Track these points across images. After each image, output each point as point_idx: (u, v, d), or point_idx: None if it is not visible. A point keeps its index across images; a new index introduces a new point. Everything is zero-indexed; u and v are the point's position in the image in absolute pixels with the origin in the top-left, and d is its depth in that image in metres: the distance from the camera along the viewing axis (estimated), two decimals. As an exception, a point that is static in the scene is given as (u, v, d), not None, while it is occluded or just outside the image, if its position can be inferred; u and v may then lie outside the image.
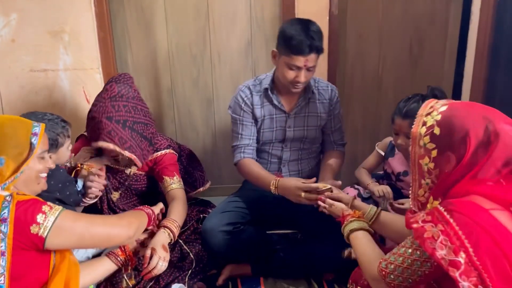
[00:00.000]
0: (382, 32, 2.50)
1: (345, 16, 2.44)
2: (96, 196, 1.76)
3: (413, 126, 1.16)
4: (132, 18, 2.38)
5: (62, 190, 1.62)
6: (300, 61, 1.75)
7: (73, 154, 1.83)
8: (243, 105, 1.97)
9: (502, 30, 2.28)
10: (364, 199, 1.96)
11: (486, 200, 1.03)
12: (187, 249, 1.84)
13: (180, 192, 1.90)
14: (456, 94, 2.60)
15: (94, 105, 1.77)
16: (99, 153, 1.90)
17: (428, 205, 1.14)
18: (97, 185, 1.71)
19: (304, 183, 1.72)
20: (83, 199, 1.72)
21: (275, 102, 1.95)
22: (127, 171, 1.92)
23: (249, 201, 2.00)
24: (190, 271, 1.76)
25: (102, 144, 1.69)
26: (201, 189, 2.13)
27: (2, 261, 1.13)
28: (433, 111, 1.13)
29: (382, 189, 1.86)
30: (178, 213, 1.79)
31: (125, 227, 1.39)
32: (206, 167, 2.55)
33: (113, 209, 1.93)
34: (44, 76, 2.25)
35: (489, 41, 2.35)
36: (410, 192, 1.21)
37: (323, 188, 1.68)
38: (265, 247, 1.95)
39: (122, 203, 1.95)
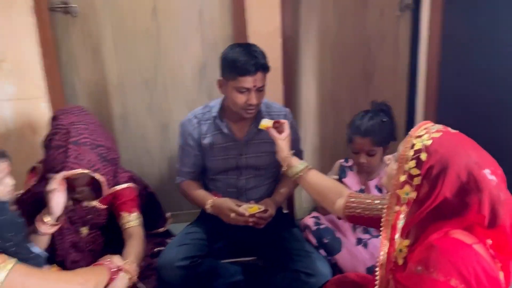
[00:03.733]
0: (335, 52, 2.51)
1: (298, 37, 2.44)
2: (57, 221, 1.64)
3: (401, 148, 1.09)
4: (78, 44, 2.29)
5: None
6: (248, 81, 1.73)
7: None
8: (187, 136, 1.95)
9: (451, 45, 2.34)
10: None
11: (463, 233, 1.01)
12: (143, 286, 1.77)
13: (138, 230, 1.83)
14: (410, 110, 2.65)
15: (53, 134, 1.69)
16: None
17: (398, 246, 1.10)
18: (58, 198, 1.60)
19: (237, 205, 1.81)
20: (41, 226, 1.61)
21: (225, 130, 1.91)
22: (86, 203, 1.82)
23: (208, 230, 1.94)
24: (147, 310, 1.70)
25: (69, 173, 1.60)
26: (161, 229, 2.09)
27: None
28: (424, 134, 1.07)
29: None
30: (136, 254, 1.72)
31: (82, 285, 1.32)
32: (164, 194, 2.47)
33: (80, 248, 1.82)
34: (-16, 107, 2.12)
35: (439, 56, 2.41)
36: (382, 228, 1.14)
37: (254, 212, 1.77)
38: (225, 279, 1.89)
39: (89, 240, 1.86)
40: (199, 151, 1.97)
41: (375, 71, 2.59)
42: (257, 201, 1.99)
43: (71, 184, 1.73)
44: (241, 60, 1.72)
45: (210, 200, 1.89)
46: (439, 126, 1.10)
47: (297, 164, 1.58)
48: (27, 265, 1.26)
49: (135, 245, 1.78)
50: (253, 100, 1.77)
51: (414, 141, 1.07)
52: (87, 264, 1.79)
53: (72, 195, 1.81)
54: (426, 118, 2.52)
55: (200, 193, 1.97)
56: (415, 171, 1.05)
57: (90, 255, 1.83)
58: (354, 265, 1.80)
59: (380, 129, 1.83)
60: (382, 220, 1.15)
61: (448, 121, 2.37)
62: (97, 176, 1.65)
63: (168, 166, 2.55)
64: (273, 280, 1.83)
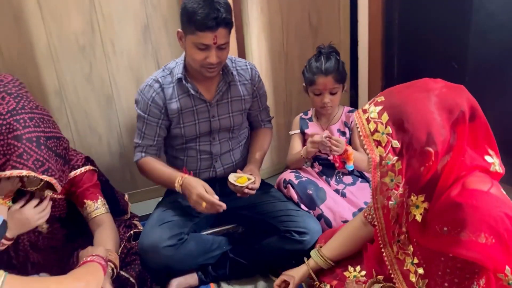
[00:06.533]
0: (282, 3, 2.41)
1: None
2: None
3: (368, 153, 1.05)
4: (-6, 9, 1.91)
5: None
6: (208, 38, 1.56)
7: None
8: (150, 103, 1.73)
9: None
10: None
11: (476, 178, 1.02)
12: (125, 274, 1.59)
13: (107, 217, 1.63)
14: (353, 57, 2.68)
15: None
16: None
17: (414, 210, 1.08)
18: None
19: (208, 191, 1.62)
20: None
21: (192, 91, 1.74)
22: (39, 194, 1.55)
23: (185, 204, 1.78)
24: (133, 298, 1.54)
25: (12, 172, 1.32)
26: (125, 217, 1.87)
27: None
28: (378, 125, 1.03)
29: (312, 141, 1.83)
30: (112, 242, 1.55)
31: None
32: (116, 173, 2.27)
33: (39, 247, 1.58)
34: None
35: (383, 4, 2.43)
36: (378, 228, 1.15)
37: (246, 184, 1.65)
38: (213, 252, 1.77)
39: (48, 237, 1.61)
40: (165, 119, 1.77)
41: (320, 23, 2.55)
42: (233, 166, 1.89)
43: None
44: (201, 13, 1.53)
45: (179, 178, 1.68)
46: (374, 107, 1.06)
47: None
48: (18, 276, 1.05)
49: (109, 234, 1.60)
50: (213, 59, 1.61)
51: (375, 137, 1.04)
52: (50, 265, 1.61)
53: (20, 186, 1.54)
54: (372, 64, 2.57)
55: (166, 171, 1.76)
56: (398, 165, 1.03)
57: (51, 253, 1.63)
58: (340, 212, 1.80)
59: (339, 66, 1.87)
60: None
61: (393, 69, 2.47)
62: (46, 178, 1.38)
63: (117, 142, 2.29)
64: (264, 244, 1.76)
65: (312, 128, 1.99)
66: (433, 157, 0.99)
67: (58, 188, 1.42)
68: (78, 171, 1.62)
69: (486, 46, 1.94)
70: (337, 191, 1.88)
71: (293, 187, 1.85)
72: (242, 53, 2.29)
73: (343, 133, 1.96)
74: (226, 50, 1.66)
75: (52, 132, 1.45)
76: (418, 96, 1.01)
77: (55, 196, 1.60)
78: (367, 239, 1.45)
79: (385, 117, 1.02)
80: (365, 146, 1.05)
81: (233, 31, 2.19)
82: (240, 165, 1.89)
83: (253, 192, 1.69)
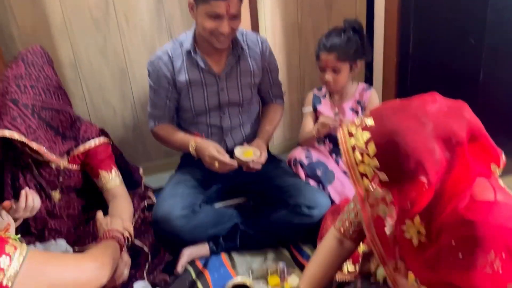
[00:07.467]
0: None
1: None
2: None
3: (355, 186, 0.94)
4: (9, -19, 1.92)
5: None
6: (220, 6, 1.56)
7: None
8: (159, 75, 1.76)
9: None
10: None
11: (480, 188, 0.93)
12: (139, 243, 1.65)
13: (122, 188, 1.70)
14: (369, 32, 2.63)
15: None
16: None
17: (409, 233, 0.98)
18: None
19: (218, 151, 1.68)
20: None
21: (201, 64, 1.75)
22: (54, 165, 1.60)
23: (197, 177, 1.83)
24: (147, 266, 1.60)
25: (4, 132, 1.35)
26: (139, 190, 1.91)
27: None
28: (364, 156, 0.91)
29: (321, 123, 1.83)
30: (127, 213, 1.61)
31: (101, 269, 1.20)
32: (129, 145, 2.31)
33: (55, 215, 1.64)
34: None
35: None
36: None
37: (252, 158, 1.68)
38: (224, 224, 1.81)
39: (64, 205, 1.67)
40: (174, 91, 1.79)
41: (335, -5, 2.51)
42: (243, 141, 1.91)
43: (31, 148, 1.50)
44: None
45: (192, 142, 1.75)
46: (361, 133, 0.94)
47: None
48: (40, 250, 1.12)
49: (124, 205, 1.67)
50: (225, 29, 1.61)
51: (362, 170, 0.92)
52: (67, 231, 1.66)
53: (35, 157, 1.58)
54: (387, 40, 2.53)
55: (180, 136, 1.83)
56: (389, 198, 0.93)
57: (69, 221, 1.69)
58: (346, 194, 1.82)
59: (346, 45, 1.82)
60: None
61: (408, 45, 2.43)
62: (34, 145, 1.42)
63: (131, 114, 2.33)
64: (273, 217, 1.78)
65: (325, 105, 1.98)
66: (426, 186, 0.89)
67: (50, 157, 1.47)
68: (92, 143, 1.67)
69: (503, 22, 1.89)
70: (345, 172, 1.89)
71: (302, 167, 1.87)
72: (255, 27, 2.27)
73: (356, 113, 1.95)
74: (238, 19, 1.66)
75: (53, 104, 1.49)
76: (411, 125, 0.90)
77: (71, 167, 1.66)
78: (347, 257, 1.30)
79: (372, 148, 0.90)
80: (350, 179, 0.95)
81: (246, 5, 2.20)
82: (250, 140, 1.90)
83: (259, 167, 1.71)
